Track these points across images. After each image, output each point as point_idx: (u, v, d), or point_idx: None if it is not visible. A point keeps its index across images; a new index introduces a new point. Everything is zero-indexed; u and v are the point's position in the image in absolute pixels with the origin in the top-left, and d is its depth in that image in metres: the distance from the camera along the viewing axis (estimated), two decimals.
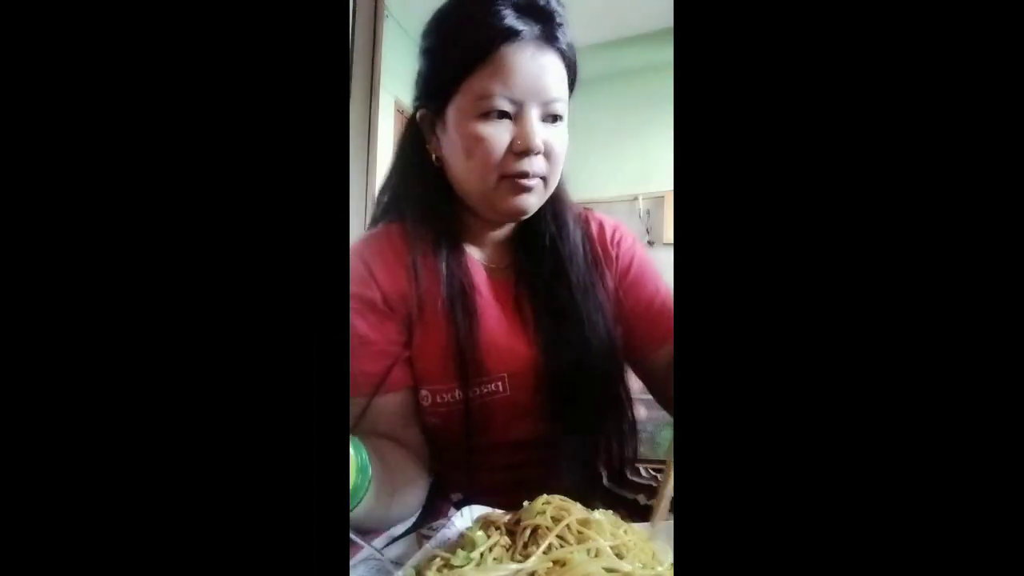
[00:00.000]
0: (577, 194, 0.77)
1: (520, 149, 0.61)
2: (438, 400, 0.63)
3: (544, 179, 0.64)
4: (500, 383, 0.64)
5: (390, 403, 0.62)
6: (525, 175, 0.62)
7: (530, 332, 0.66)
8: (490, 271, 0.70)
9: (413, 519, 0.58)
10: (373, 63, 1.76)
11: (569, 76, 0.65)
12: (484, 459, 0.65)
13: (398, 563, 0.44)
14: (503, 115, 0.61)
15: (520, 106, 0.61)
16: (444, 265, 0.65)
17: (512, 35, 0.60)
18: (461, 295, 0.64)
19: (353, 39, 1.68)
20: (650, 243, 2.65)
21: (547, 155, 0.63)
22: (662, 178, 2.66)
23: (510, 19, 0.60)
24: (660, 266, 0.75)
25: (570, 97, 0.67)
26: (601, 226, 0.77)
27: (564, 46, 0.63)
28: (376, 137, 1.78)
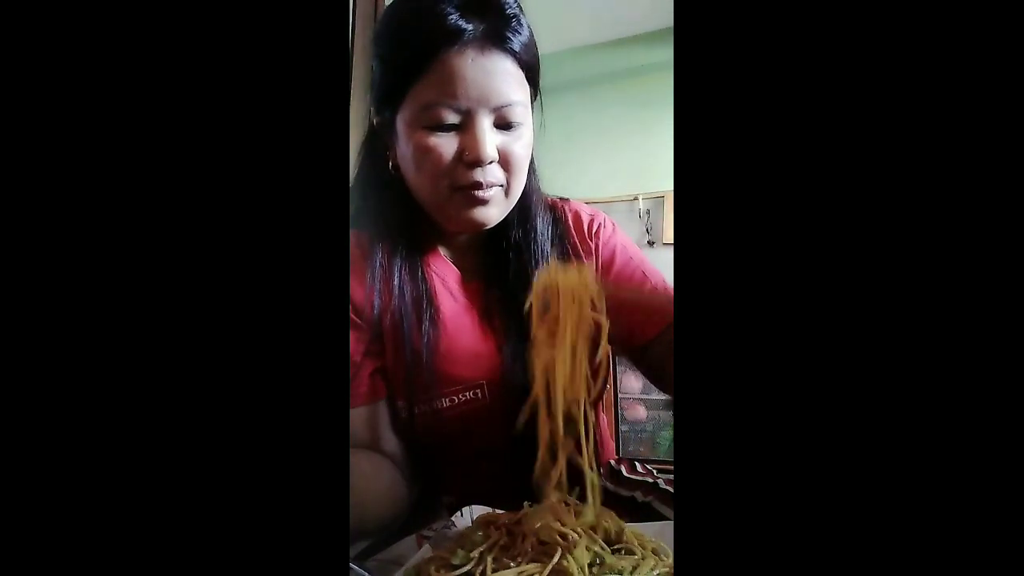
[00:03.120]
0: (577, 194, 0.76)
1: (469, 160, 0.57)
2: (415, 411, 0.62)
3: (504, 187, 0.61)
4: (479, 391, 0.63)
5: (359, 416, 0.61)
6: (478, 186, 0.58)
7: (501, 343, 0.64)
8: (463, 272, 0.68)
9: (394, 527, 0.56)
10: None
11: (528, 76, 0.60)
12: (473, 467, 0.64)
13: (398, 563, 0.44)
14: (451, 126, 0.57)
15: (467, 114, 0.57)
16: (398, 279, 0.63)
17: (453, 38, 0.55)
18: (415, 310, 0.62)
19: (353, 39, 1.68)
20: (650, 243, 2.65)
21: (504, 163, 0.60)
22: (662, 178, 2.66)
23: (452, 19, 0.55)
24: (660, 266, 0.73)
25: (535, 98, 0.63)
26: (578, 216, 0.74)
27: (515, 45, 0.58)
28: None
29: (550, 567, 0.37)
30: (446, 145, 0.57)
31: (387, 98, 0.60)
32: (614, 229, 0.75)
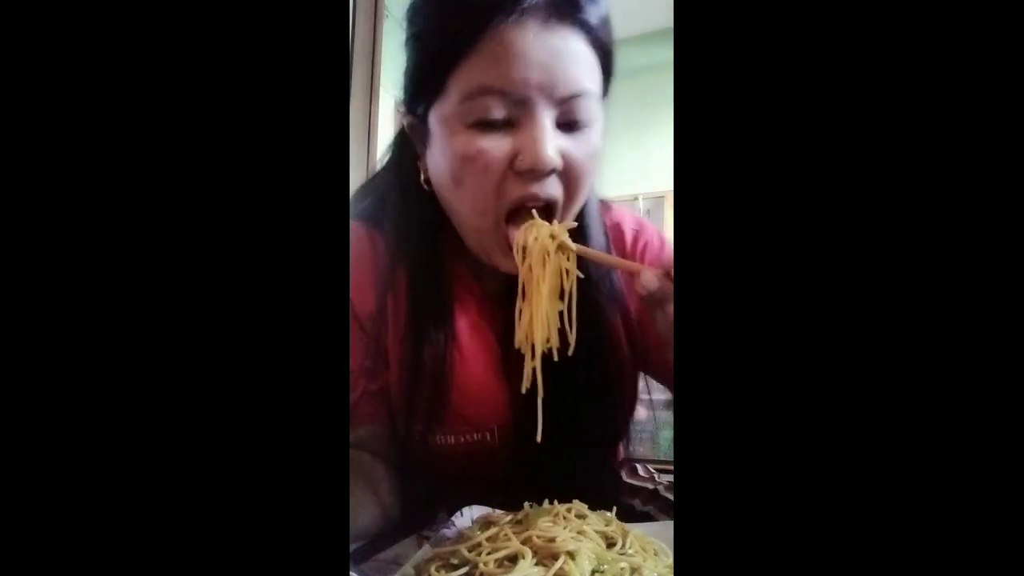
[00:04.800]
0: None
1: (523, 167, 0.45)
2: (415, 439, 0.54)
3: (558, 204, 0.48)
4: (489, 434, 0.55)
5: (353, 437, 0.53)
6: (533, 198, 0.46)
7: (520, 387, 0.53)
8: (484, 295, 0.57)
9: (386, 529, 0.53)
10: (373, 63, 1.76)
11: (601, 61, 0.47)
12: (473, 490, 0.60)
13: (398, 563, 0.44)
14: (501, 123, 0.45)
15: (524, 107, 0.44)
16: (414, 298, 0.53)
17: (511, 6, 0.42)
18: (430, 335, 0.53)
19: (353, 39, 1.68)
20: None
21: (565, 174, 0.47)
22: (662, 178, 2.65)
23: None
24: None
25: (607, 91, 0.49)
26: (618, 230, 0.62)
27: (591, 18, 0.44)
28: (376, 137, 1.78)
29: (553, 572, 0.36)
30: (494, 149, 0.44)
31: (421, 89, 0.48)
32: (663, 245, 0.63)
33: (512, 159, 0.45)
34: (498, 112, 0.44)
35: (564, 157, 0.46)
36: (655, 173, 2.67)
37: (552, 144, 0.45)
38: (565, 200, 0.48)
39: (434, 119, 0.48)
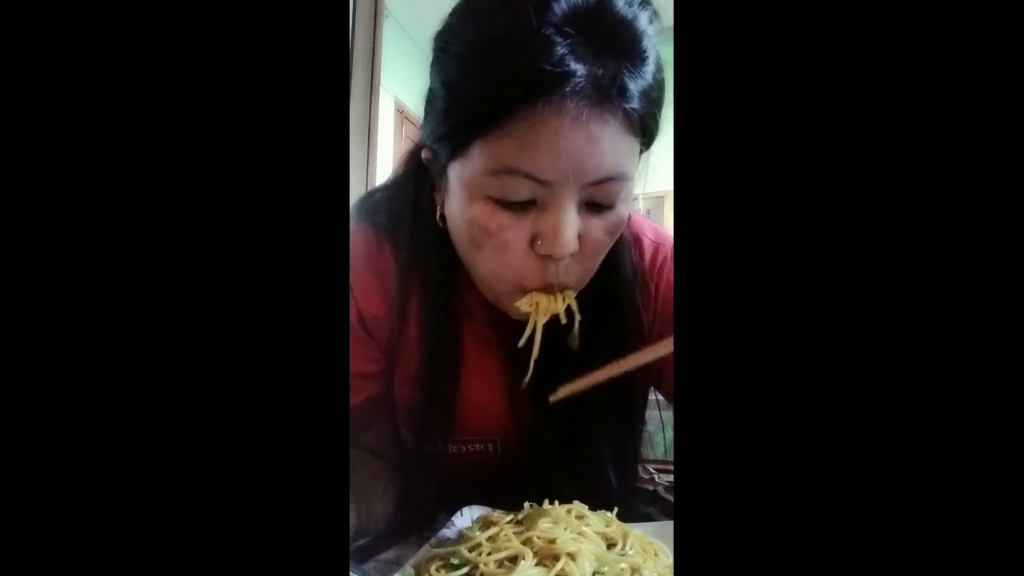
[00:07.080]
0: None
1: (542, 252, 0.44)
2: (418, 450, 0.55)
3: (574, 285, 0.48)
4: (491, 445, 0.57)
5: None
6: (549, 288, 0.46)
7: (527, 400, 0.53)
8: (494, 316, 0.56)
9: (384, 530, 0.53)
10: (373, 63, 1.76)
11: (642, 139, 0.45)
12: (474, 492, 0.60)
13: (398, 563, 0.44)
14: (524, 202, 0.43)
15: (549, 188, 0.42)
16: (425, 309, 0.53)
17: (552, 88, 0.39)
18: (439, 346, 0.54)
19: (353, 39, 1.68)
20: None
21: (581, 253, 0.46)
22: (662, 178, 2.66)
23: (559, 54, 0.38)
24: None
25: (641, 158, 0.48)
26: (639, 243, 0.61)
27: (634, 101, 0.41)
28: (376, 137, 1.79)
29: (554, 573, 0.36)
30: (514, 228, 0.44)
31: (445, 137, 0.45)
32: None
33: (531, 239, 0.45)
34: (522, 194, 0.43)
35: (583, 239, 0.45)
36: (655, 173, 2.67)
37: (572, 230, 0.43)
38: (577, 280, 0.49)
39: (454, 173, 0.46)
